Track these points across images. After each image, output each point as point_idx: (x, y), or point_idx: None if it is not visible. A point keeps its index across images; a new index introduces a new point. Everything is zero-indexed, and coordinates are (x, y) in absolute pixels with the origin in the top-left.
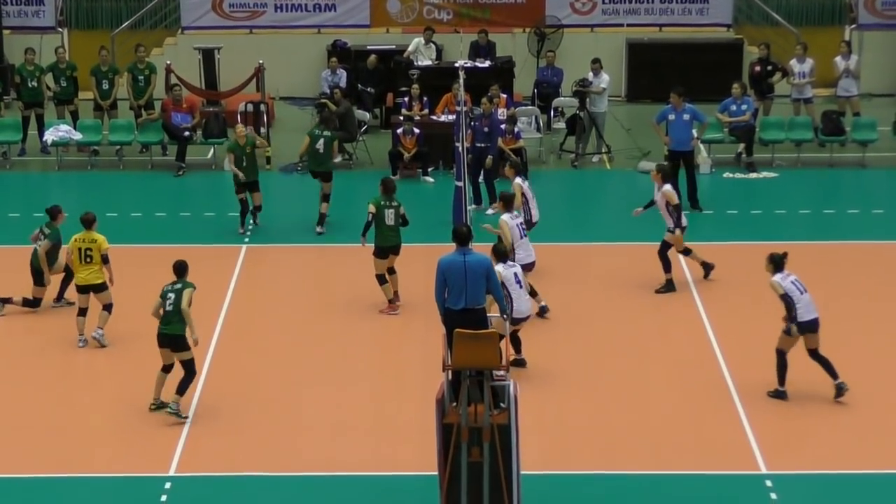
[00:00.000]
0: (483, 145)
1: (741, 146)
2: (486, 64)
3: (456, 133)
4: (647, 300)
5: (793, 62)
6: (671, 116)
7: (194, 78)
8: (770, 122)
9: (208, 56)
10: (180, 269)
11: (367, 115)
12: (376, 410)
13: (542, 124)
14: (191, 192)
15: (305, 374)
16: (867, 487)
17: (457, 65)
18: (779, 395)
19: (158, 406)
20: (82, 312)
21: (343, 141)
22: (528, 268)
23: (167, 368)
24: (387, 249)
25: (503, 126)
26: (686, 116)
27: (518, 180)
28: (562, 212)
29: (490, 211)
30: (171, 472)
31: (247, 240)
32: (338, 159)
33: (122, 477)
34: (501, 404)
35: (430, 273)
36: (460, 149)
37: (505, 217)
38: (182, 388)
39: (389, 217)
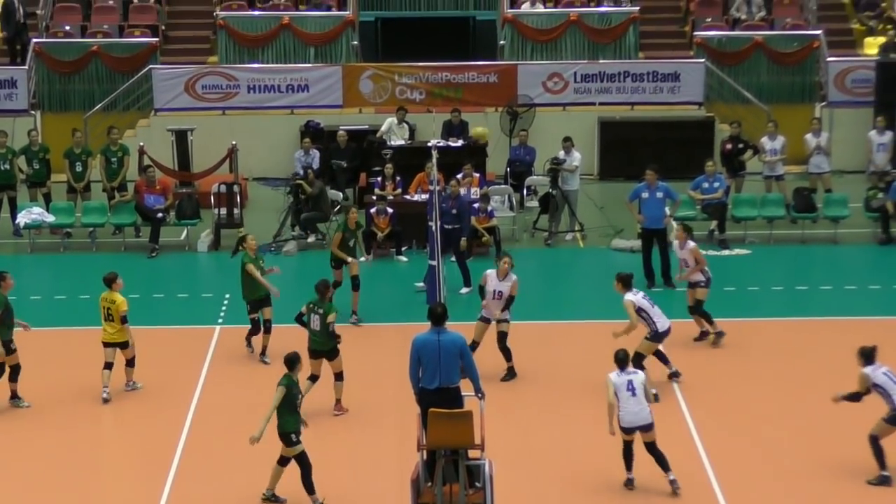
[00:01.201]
0: (451, 227)
1: (713, 223)
2: (459, 143)
3: (429, 212)
4: None
5: (764, 140)
6: (644, 194)
7: (167, 159)
8: (742, 200)
9: (181, 137)
10: (287, 361)
11: (341, 195)
12: (351, 490)
13: (515, 203)
14: (164, 274)
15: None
16: None
17: (429, 144)
18: (882, 480)
19: (268, 498)
20: (108, 366)
21: (316, 221)
22: (668, 333)
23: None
24: (313, 352)
25: (476, 205)
26: (659, 194)
27: (693, 244)
28: (535, 290)
29: (463, 290)
30: None
31: (220, 320)
32: (311, 239)
33: None
34: (477, 484)
35: (405, 352)
36: (433, 228)
37: (628, 296)
38: (307, 485)
39: (314, 322)
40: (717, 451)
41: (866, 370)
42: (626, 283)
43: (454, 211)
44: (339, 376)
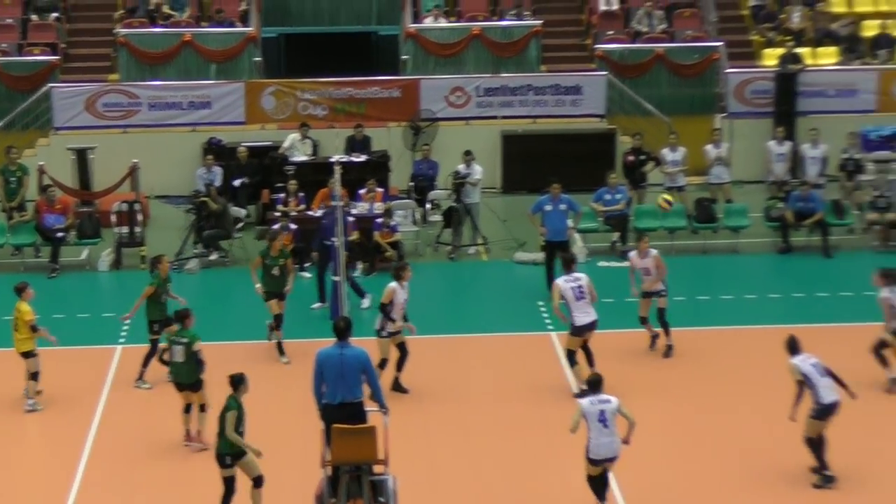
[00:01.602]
0: (332, 242)
1: (616, 235)
2: (362, 158)
3: (332, 228)
4: (525, 388)
5: (665, 151)
6: (547, 207)
7: (68, 178)
8: (644, 211)
9: (82, 156)
10: (232, 382)
11: (243, 212)
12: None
13: (418, 217)
14: (64, 294)
15: (181, 474)
16: None
17: (332, 160)
18: (827, 480)
19: None
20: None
21: (219, 238)
22: (590, 327)
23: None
24: (177, 384)
25: (380, 220)
26: (562, 206)
27: (656, 252)
28: (440, 304)
29: (364, 303)
30: None
31: (122, 340)
32: (213, 257)
33: None
34: (381, 499)
35: (309, 368)
36: (336, 244)
37: (559, 280)
38: None
39: (176, 353)
40: (620, 463)
41: (794, 360)
42: (566, 264)
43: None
44: (203, 408)
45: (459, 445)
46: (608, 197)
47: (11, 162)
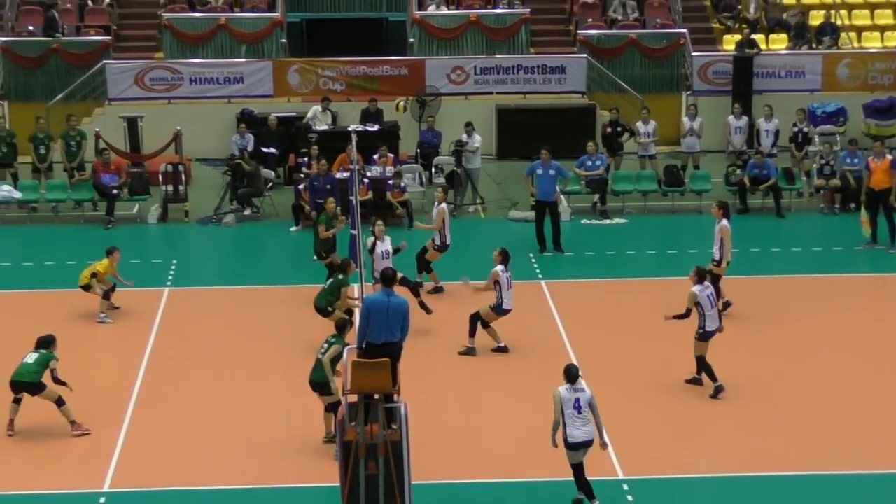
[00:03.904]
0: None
1: (596, 196)
2: (375, 128)
3: (350, 188)
4: (517, 328)
5: (638, 124)
6: (539, 171)
7: (120, 143)
8: (620, 176)
9: (132, 123)
10: (339, 326)
11: (272, 174)
12: (287, 431)
13: (424, 179)
14: (119, 242)
15: (224, 401)
16: (718, 489)
17: (349, 129)
18: (717, 390)
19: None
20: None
21: (252, 196)
22: (504, 313)
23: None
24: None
25: (391, 181)
26: (552, 171)
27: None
28: (444, 257)
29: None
30: (105, 488)
31: (169, 283)
32: (247, 212)
33: (56, 494)
34: (393, 426)
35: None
36: (354, 201)
37: (497, 268)
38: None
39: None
40: (604, 390)
41: (695, 289)
42: (503, 256)
43: (328, 186)
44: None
45: (462, 378)
46: (589, 163)
47: (72, 128)
